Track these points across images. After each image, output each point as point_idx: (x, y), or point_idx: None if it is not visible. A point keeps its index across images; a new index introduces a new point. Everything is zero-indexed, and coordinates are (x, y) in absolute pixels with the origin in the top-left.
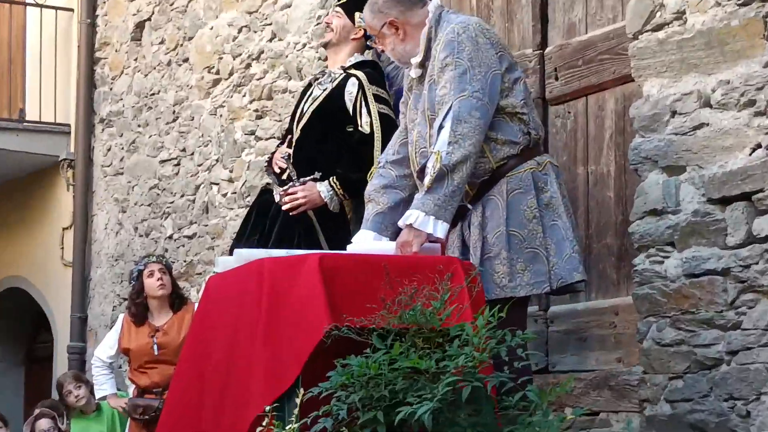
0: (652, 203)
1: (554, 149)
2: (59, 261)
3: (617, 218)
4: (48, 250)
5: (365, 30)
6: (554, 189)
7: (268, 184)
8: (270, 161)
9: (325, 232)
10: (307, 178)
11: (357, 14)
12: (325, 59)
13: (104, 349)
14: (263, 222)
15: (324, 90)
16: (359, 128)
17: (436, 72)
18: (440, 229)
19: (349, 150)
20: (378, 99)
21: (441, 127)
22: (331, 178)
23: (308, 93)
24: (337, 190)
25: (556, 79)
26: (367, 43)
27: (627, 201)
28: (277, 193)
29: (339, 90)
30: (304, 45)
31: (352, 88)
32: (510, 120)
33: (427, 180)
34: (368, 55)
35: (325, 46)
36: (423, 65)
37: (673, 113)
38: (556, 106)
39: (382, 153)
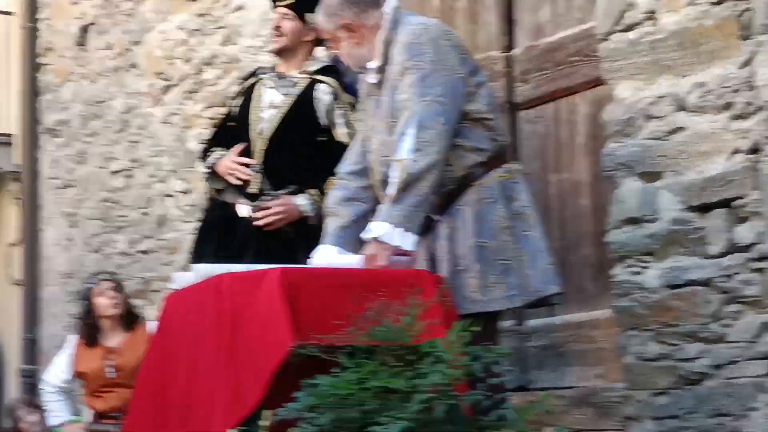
0: (629, 211)
1: (524, 156)
2: (7, 279)
3: (594, 228)
4: None
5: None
6: (525, 198)
7: (218, 198)
8: (212, 170)
9: (303, 247)
10: (282, 191)
11: (307, 15)
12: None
13: (55, 373)
14: (230, 239)
15: (286, 95)
16: (336, 139)
17: (396, 76)
18: (409, 241)
19: (322, 160)
20: (353, 108)
21: (403, 134)
22: (309, 190)
23: (255, 95)
24: (317, 202)
25: (525, 82)
26: (324, 45)
27: (603, 210)
28: (243, 208)
29: (306, 97)
30: (259, 48)
31: (323, 96)
32: (475, 126)
33: (391, 190)
34: (326, 59)
35: (278, 53)
36: (381, 70)
37: (648, 117)
38: (525, 110)
39: None
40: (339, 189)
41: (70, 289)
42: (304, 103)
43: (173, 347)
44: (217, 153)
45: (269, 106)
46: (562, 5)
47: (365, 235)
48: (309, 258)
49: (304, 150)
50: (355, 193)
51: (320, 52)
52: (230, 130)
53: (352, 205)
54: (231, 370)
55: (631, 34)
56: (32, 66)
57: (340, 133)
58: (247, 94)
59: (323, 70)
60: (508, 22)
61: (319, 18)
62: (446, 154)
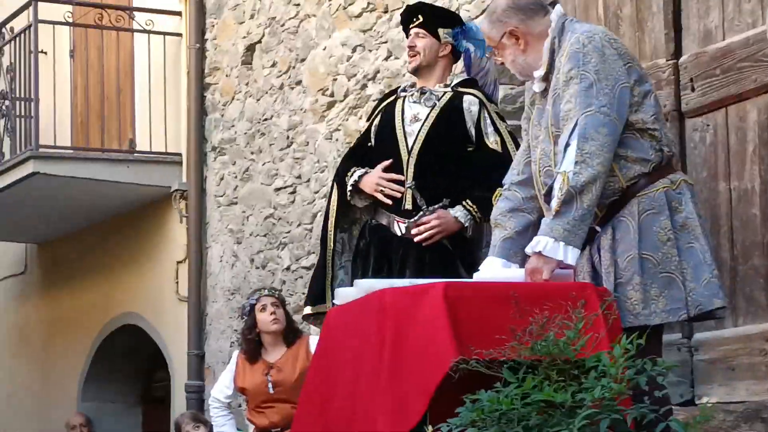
0: None
1: (693, 165)
2: (174, 296)
3: (764, 237)
4: (162, 285)
5: (452, 45)
6: (690, 209)
7: (370, 220)
8: (356, 188)
9: (462, 259)
10: (437, 205)
11: (441, 30)
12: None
13: (220, 388)
14: (387, 258)
15: (431, 108)
16: (489, 148)
17: (561, 85)
18: (570, 255)
19: (474, 170)
20: (501, 117)
21: (567, 145)
22: (465, 201)
23: (398, 111)
24: (474, 213)
25: (693, 90)
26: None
27: None
28: (398, 225)
29: (452, 109)
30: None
31: (471, 106)
32: (640, 136)
33: (554, 203)
34: (463, 72)
35: (415, 71)
36: (546, 78)
37: None
38: (693, 118)
39: None
40: (504, 200)
41: (235, 305)
42: (449, 115)
43: (335, 363)
44: (359, 171)
45: (413, 120)
46: (732, 10)
47: (528, 248)
48: (470, 270)
49: (453, 162)
50: (521, 204)
51: (459, 66)
52: (369, 150)
53: (518, 216)
54: (394, 385)
55: None
56: (200, 86)
57: (492, 141)
58: (389, 111)
59: (464, 83)
60: (675, 28)
61: (484, 25)
62: (609, 165)
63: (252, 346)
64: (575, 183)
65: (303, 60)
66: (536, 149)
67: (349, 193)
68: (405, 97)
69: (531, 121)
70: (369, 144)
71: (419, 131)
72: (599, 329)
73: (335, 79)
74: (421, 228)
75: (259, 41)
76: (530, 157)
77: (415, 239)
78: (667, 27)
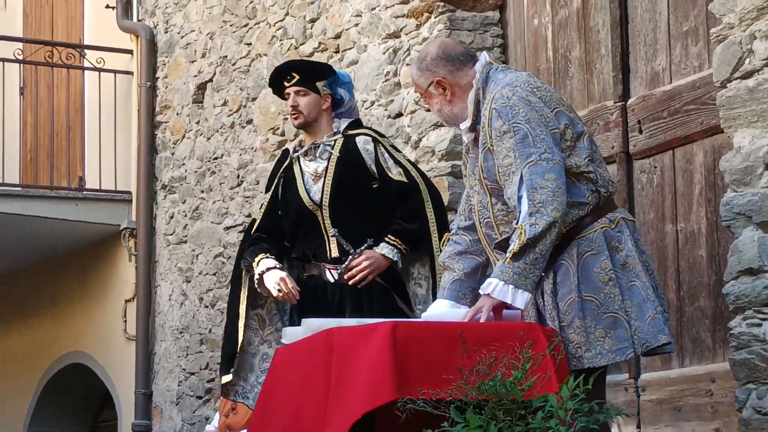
0: (747, 262)
1: (640, 206)
2: (122, 334)
3: (710, 279)
4: (110, 324)
5: (331, 95)
6: (629, 247)
7: (302, 274)
8: (260, 281)
9: (396, 293)
10: (363, 246)
11: (318, 84)
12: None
13: (213, 424)
14: (324, 305)
15: (326, 160)
16: (394, 180)
17: (490, 140)
18: (519, 298)
19: (386, 205)
20: (395, 148)
21: (519, 198)
22: (387, 237)
23: (297, 175)
24: (399, 246)
25: (640, 132)
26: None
27: (720, 260)
28: (330, 272)
29: (348, 152)
30: (373, 103)
31: (366, 145)
32: (576, 180)
33: (509, 252)
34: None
35: (303, 127)
36: (474, 129)
37: (767, 165)
38: (640, 160)
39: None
40: (452, 243)
41: (184, 344)
42: (348, 159)
43: (281, 403)
44: (267, 261)
45: (315, 178)
46: (679, 53)
47: (481, 290)
48: (407, 302)
49: (364, 202)
50: (468, 247)
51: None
52: (278, 217)
53: (466, 259)
54: (327, 419)
55: (749, 81)
56: (150, 124)
57: (395, 173)
58: (289, 177)
59: (351, 125)
60: (623, 71)
61: (413, 72)
62: (565, 206)
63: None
64: (532, 235)
65: (254, 99)
66: (473, 199)
67: (256, 282)
68: (297, 157)
69: (467, 170)
70: (278, 212)
71: (323, 185)
72: (547, 369)
73: (286, 119)
74: (353, 272)
75: (211, 80)
76: (470, 203)
77: (350, 282)
78: (615, 69)
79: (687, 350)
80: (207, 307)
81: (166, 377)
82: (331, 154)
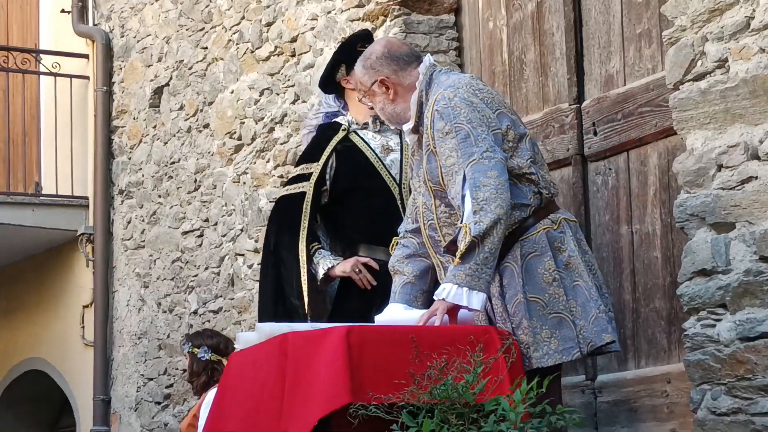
0: (701, 263)
1: (595, 208)
2: (80, 341)
3: (665, 280)
4: (68, 330)
5: None
6: (572, 247)
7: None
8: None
9: None
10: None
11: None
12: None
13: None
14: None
15: (397, 134)
16: None
17: (433, 141)
18: (475, 300)
19: None
20: None
21: (462, 197)
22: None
23: (364, 146)
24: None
25: (595, 134)
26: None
27: (675, 261)
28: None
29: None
30: None
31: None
32: (518, 181)
33: (458, 253)
34: None
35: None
36: (417, 131)
37: (720, 167)
38: (595, 162)
39: None
40: (401, 247)
41: (142, 350)
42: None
43: (235, 408)
44: (327, 259)
45: (385, 151)
46: (632, 55)
47: (435, 296)
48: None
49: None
50: (417, 250)
51: None
52: (321, 194)
53: (415, 262)
54: (283, 425)
55: (702, 83)
56: (107, 128)
57: None
58: (349, 148)
59: None
60: (578, 73)
61: (358, 69)
62: (509, 203)
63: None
64: (477, 232)
65: (211, 103)
66: (418, 200)
67: (320, 282)
68: (355, 131)
69: (413, 172)
70: (324, 188)
71: (402, 163)
72: (500, 372)
73: (243, 123)
74: None
75: (167, 84)
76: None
77: None
78: (569, 72)
79: (642, 351)
80: (165, 312)
81: (124, 383)
82: (401, 130)
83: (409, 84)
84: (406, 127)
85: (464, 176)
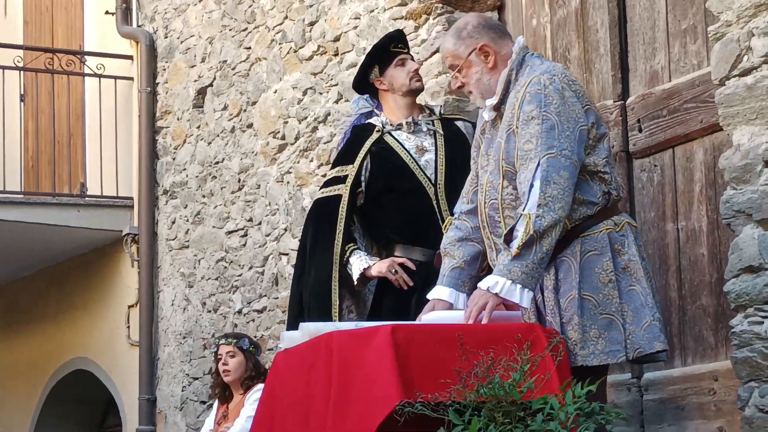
0: (748, 260)
1: (641, 205)
2: (125, 340)
3: (712, 277)
4: (113, 330)
5: None
6: (632, 251)
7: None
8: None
9: None
10: None
11: None
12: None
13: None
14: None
15: (433, 137)
16: None
17: (517, 123)
18: (526, 298)
19: None
20: None
21: (531, 186)
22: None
23: (398, 147)
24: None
25: (640, 130)
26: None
27: (721, 258)
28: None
29: (453, 133)
30: None
31: (466, 130)
32: (591, 179)
33: (515, 245)
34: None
35: (419, 92)
36: (498, 108)
37: (766, 163)
38: (640, 159)
39: None
40: (454, 228)
41: (187, 349)
42: (455, 140)
43: (282, 408)
44: (363, 260)
45: (420, 151)
46: (678, 51)
47: (484, 286)
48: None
49: None
50: (470, 234)
51: None
52: (356, 195)
53: (466, 246)
54: (338, 428)
55: (748, 79)
56: (151, 129)
57: None
58: (384, 149)
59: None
60: (623, 70)
61: (449, 44)
62: (569, 209)
63: (216, 390)
64: (538, 227)
65: (254, 103)
66: (483, 178)
67: (356, 281)
68: (390, 132)
69: (480, 150)
70: (359, 190)
71: (437, 164)
72: (547, 370)
73: (286, 122)
74: None
75: (210, 84)
76: (475, 186)
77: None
78: (614, 68)
79: (689, 349)
80: (209, 311)
81: (169, 382)
82: (436, 131)
83: (505, 54)
84: (489, 102)
85: (538, 165)
